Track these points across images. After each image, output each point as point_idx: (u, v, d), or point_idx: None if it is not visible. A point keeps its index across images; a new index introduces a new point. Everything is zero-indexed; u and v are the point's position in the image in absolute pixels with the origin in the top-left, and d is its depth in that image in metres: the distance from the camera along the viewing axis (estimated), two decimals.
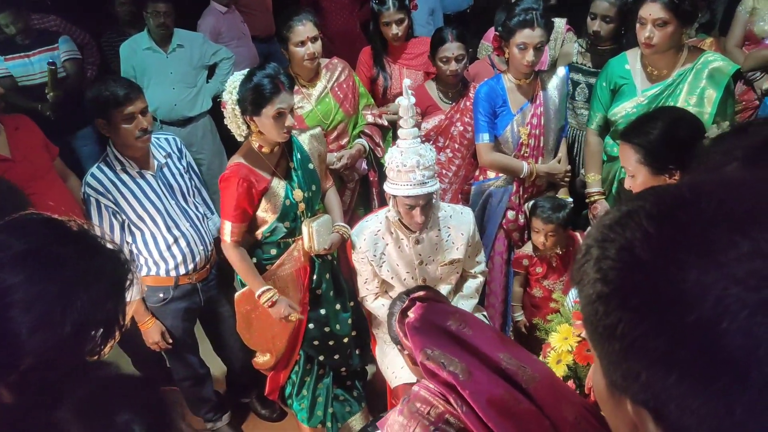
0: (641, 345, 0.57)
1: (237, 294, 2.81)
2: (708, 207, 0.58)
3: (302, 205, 2.70)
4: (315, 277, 2.82)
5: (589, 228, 0.71)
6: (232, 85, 2.47)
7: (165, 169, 2.72)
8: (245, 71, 2.50)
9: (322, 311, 2.88)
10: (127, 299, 1.16)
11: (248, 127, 2.53)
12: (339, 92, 3.25)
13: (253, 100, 2.43)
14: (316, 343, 2.92)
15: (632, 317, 0.58)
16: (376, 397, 3.23)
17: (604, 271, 0.62)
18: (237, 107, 2.47)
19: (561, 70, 3.17)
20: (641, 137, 2.14)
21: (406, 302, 1.92)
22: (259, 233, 2.71)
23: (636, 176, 2.16)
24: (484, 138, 3.10)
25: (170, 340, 2.84)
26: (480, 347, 1.69)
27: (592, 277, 0.63)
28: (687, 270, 0.55)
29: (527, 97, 3.09)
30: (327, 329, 2.90)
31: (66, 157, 4.21)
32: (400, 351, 2.04)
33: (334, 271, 2.92)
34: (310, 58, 3.08)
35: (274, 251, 2.75)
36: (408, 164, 2.46)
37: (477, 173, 3.32)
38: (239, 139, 2.60)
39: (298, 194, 2.68)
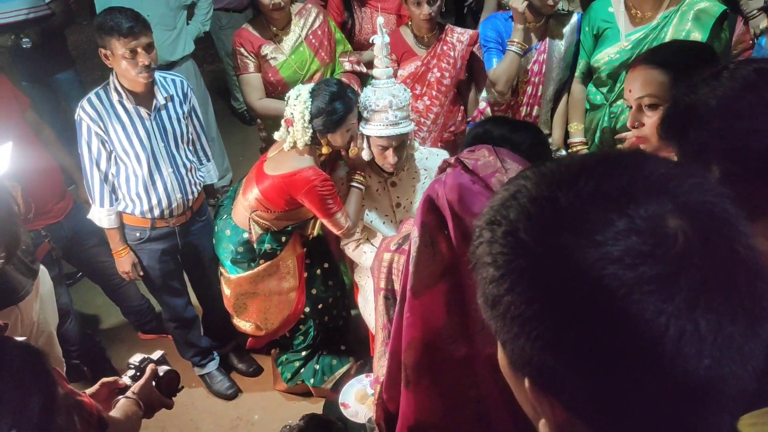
0: (532, 329, 0.58)
1: (236, 276, 2.82)
2: (586, 185, 0.58)
3: None
4: (308, 251, 2.93)
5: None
6: (304, 104, 2.45)
7: (163, 111, 2.71)
8: (310, 87, 2.50)
9: (318, 271, 2.98)
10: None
11: (313, 139, 2.53)
12: (314, 40, 3.15)
13: (328, 123, 2.47)
14: (320, 306, 3.02)
15: (521, 302, 0.58)
16: (360, 344, 3.28)
17: (493, 255, 0.62)
18: (309, 126, 2.48)
19: (572, 17, 2.98)
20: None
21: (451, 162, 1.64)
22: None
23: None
24: (495, 63, 2.96)
25: (141, 273, 2.93)
26: None
27: (485, 260, 0.63)
28: (568, 252, 0.56)
29: (533, 42, 2.96)
30: (323, 288, 3.01)
31: (46, 99, 4.20)
32: None
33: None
34: (275, 8, 2.97)
35: (284, 239, 2.78)
36: (381, 104, 2.48)
37: (475, 114, 3.24)
38: (299, 145, 2.54)
39: None
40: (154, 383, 1.78)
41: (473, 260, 0.66)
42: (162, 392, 1.80)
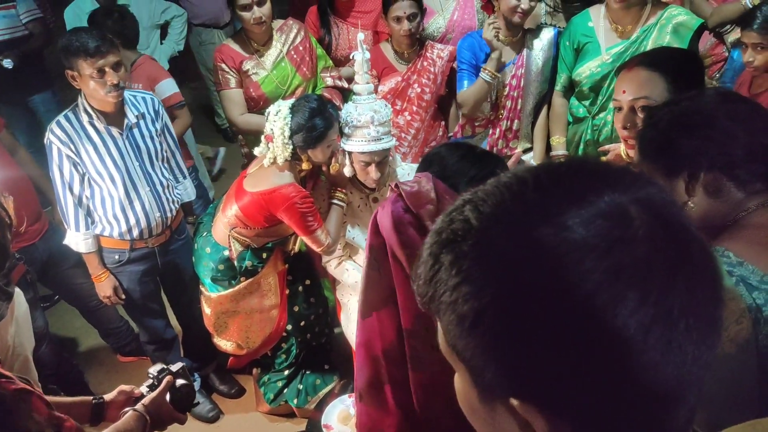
0: (519, 335, 0.56)
1: (216, 294, 2.78)
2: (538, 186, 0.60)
3: None
4: (290, 268, 2.90)
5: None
6: (283, 120, 2.45)
7: (135, 130, 2.67)
8: (290, 103, 2.48)
9: (300, 288, 2.95)
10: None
11: (293, 155, 2.51)
12: (295, 56, 3.14)
13: (308, 139, 2.46)
14: (303, 324, 2.98)
15: (504, 306, 0.56)
16: (343, 363, 3.23)
17: (465, 271, 0.59)
18: (289, 142, 2.47)
19: (549, 32, 3.02)
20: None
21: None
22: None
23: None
24: (466, 86, 2.99)
25: (123, 296, 2.87)
26: None
27: (453, 282, 0.60)
28: (541, 247, 0.55)
29: (510, 57, 2.98)
30: (305, 305, 2.98)
31: (22, 120, 4.15)
32: None
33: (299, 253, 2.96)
34: (257, 23, 2.97)
35: (265, 255, 2.75)
36: (362, 120, 2.48)
37: (456, 129, 3.25)
38: (279, 161, 2.52)
39: None
40: (168, 396, 1.73)
41: (429, 292, 0.63)
42: (175, 406, 1.75)
